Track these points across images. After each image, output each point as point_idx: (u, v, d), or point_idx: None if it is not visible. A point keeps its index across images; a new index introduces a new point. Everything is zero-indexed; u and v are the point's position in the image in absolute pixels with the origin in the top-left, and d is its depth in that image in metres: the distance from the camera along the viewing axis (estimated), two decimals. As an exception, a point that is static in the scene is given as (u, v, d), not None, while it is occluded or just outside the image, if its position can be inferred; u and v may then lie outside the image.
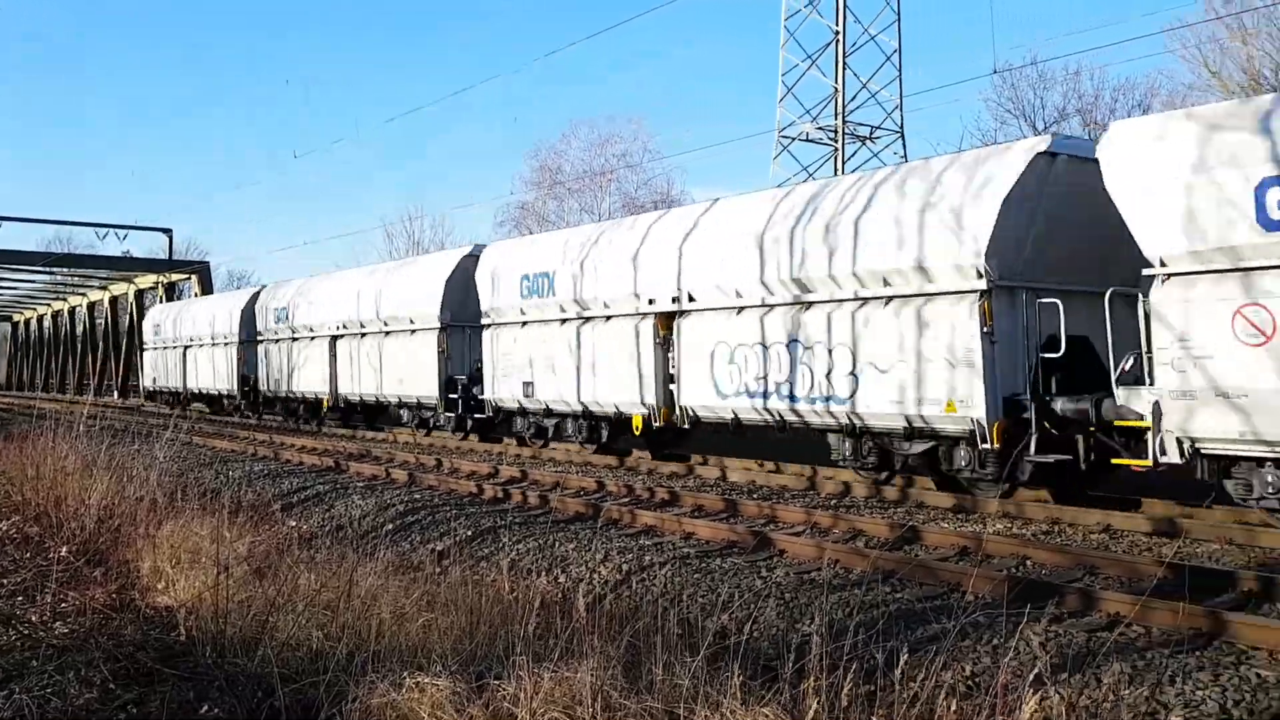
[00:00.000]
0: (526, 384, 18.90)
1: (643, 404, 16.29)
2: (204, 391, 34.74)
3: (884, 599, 8.07)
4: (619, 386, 16.75)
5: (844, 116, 29.17)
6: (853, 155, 30.45)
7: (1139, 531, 10.37)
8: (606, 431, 17.90)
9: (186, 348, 35.64)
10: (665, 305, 15.92)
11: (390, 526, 12.50)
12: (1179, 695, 5.88)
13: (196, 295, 43.91)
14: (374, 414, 26.06)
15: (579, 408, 17.87)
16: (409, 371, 22.97)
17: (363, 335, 24.86)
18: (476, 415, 20.97)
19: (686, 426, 15.94)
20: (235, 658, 6.50)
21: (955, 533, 10.38)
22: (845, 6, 29.58)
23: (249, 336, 31.02)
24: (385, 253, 53.68)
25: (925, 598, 8.01)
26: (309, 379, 27.44)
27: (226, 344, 32.44)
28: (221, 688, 6.18)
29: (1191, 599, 7.23)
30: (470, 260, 21.65)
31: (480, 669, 6.16)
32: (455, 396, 21.45)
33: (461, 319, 21.88)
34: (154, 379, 39.16)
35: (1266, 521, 10.06)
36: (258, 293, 31.75)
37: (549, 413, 18.88)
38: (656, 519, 11.48)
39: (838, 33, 29.45)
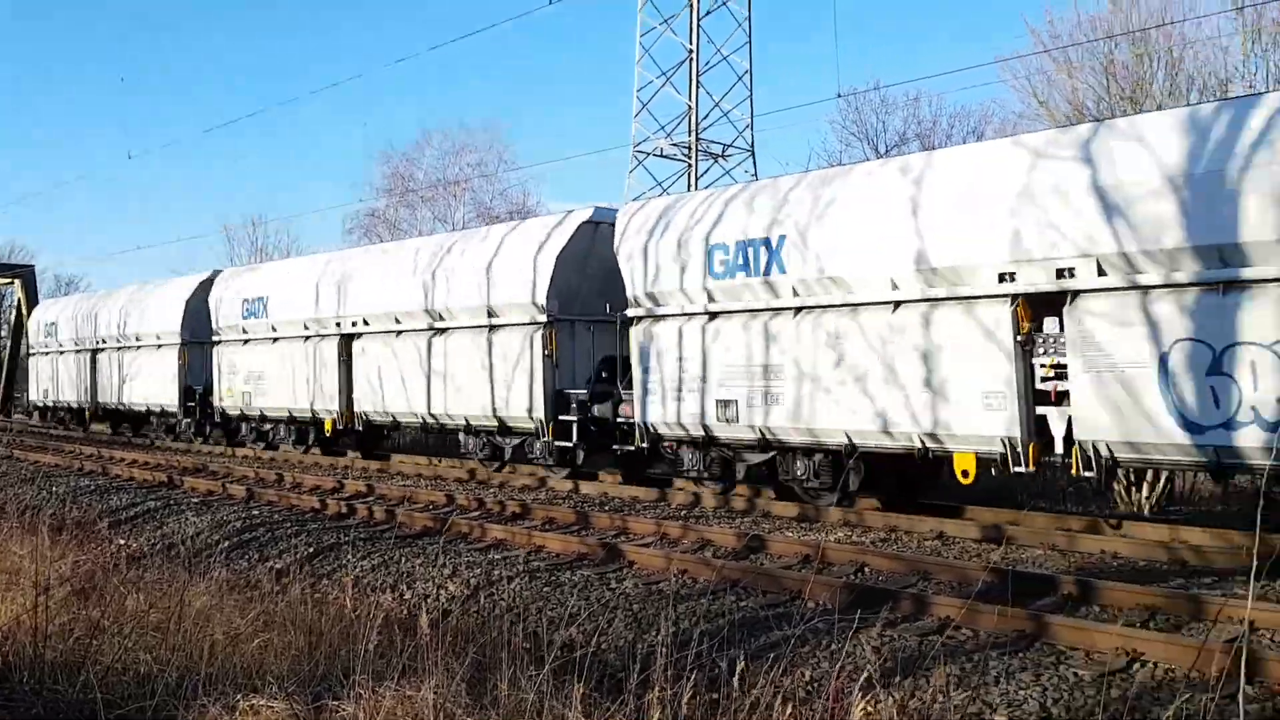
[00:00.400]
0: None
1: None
2: (126, 407, 28.43)
3: (729, 608, 8.20)
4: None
5: (697, 133, 29.68)
6: (706, 171, 31.03)
7: (969, 538, 10.86)
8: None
9: (97, 350, 29.81)
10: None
11: (227, 544, 12.02)
12: (1003, 695, 6.17)
13: (20, 302, 40.93)
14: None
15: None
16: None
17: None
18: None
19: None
20: (56, 684, 6.13)
21: (799, 541, 10.64)
22: (699, 26, 30.13)
23: (194, 336, 25.35)
24: (226, 259, 51.63)
25: (769, 605, 8.19)
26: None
27: (162, 346, 26.40)
28: (40, 716, 5.82)
29: (1016, 602, 7.62)
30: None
31: (319, 689, 5.99)
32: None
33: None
34: (45, 391, 33.06)
35: (1093, 527, 10.75)
36: (211, 279, 25.47)
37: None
38: (507, 533, 11.39)
39: (691, 51, 29.95)
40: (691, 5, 30.12)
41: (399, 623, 7.64)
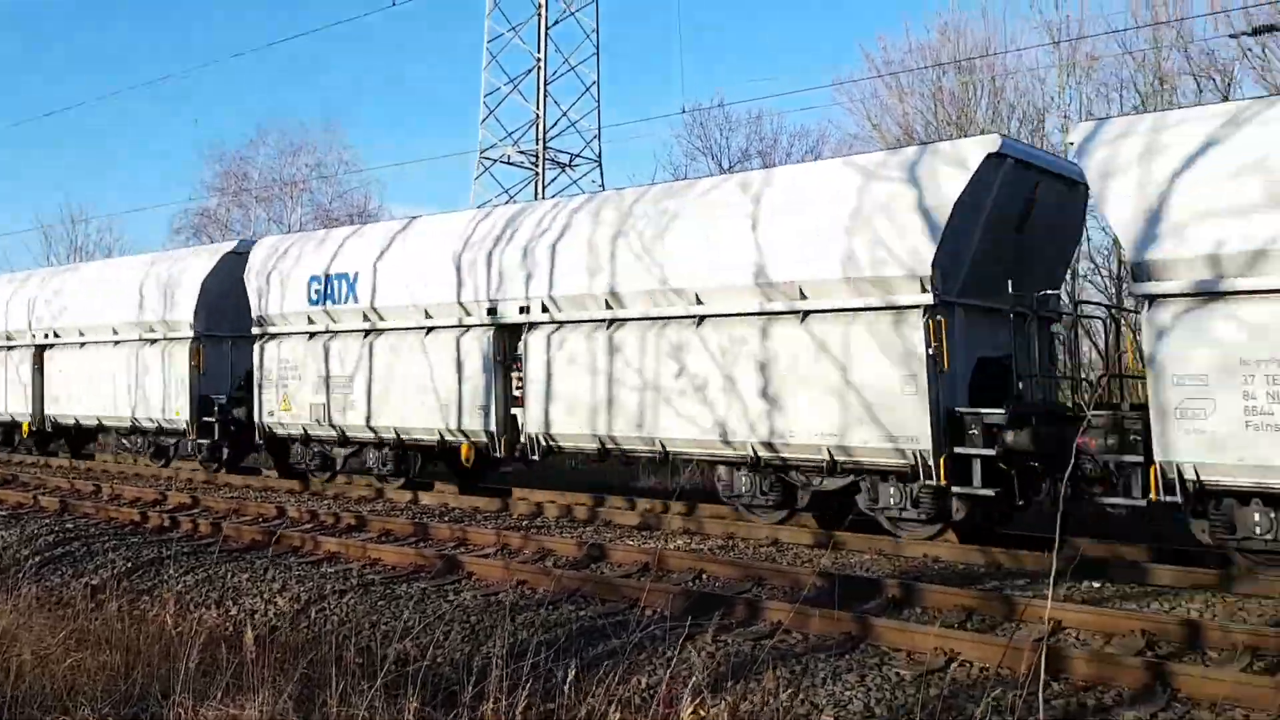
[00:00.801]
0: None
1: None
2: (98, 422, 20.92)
3: (568, 617, 8.21)
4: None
5: (545, 142, 29.70)
6: (553, 180, 31.09)
7: (802, 544, 11.18)
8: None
9: (45, 346, 22.03)
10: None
11: (37, 559, 11.30)
12: (830, 696, 6.38)
13: None
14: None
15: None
16: None
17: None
18: None
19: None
20: None
21: (639, 549, 10.74)
22: (547, 36, 30.20)
23: (212, 328, 18.80)
24: (43, 258, 48.57)
25: (607, 614, 8.23)
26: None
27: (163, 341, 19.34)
28: None
29: (844, 606, 7.90)
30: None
31: (135, 710, 5.72)
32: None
33: None
34: None
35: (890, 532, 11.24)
36: (241, 252, 18.77)
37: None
38: (340, 545, 11.09)
39: (539, 59, 29.99)
40: (539, 14, 30.17)
41: (224, 640, 7.36)
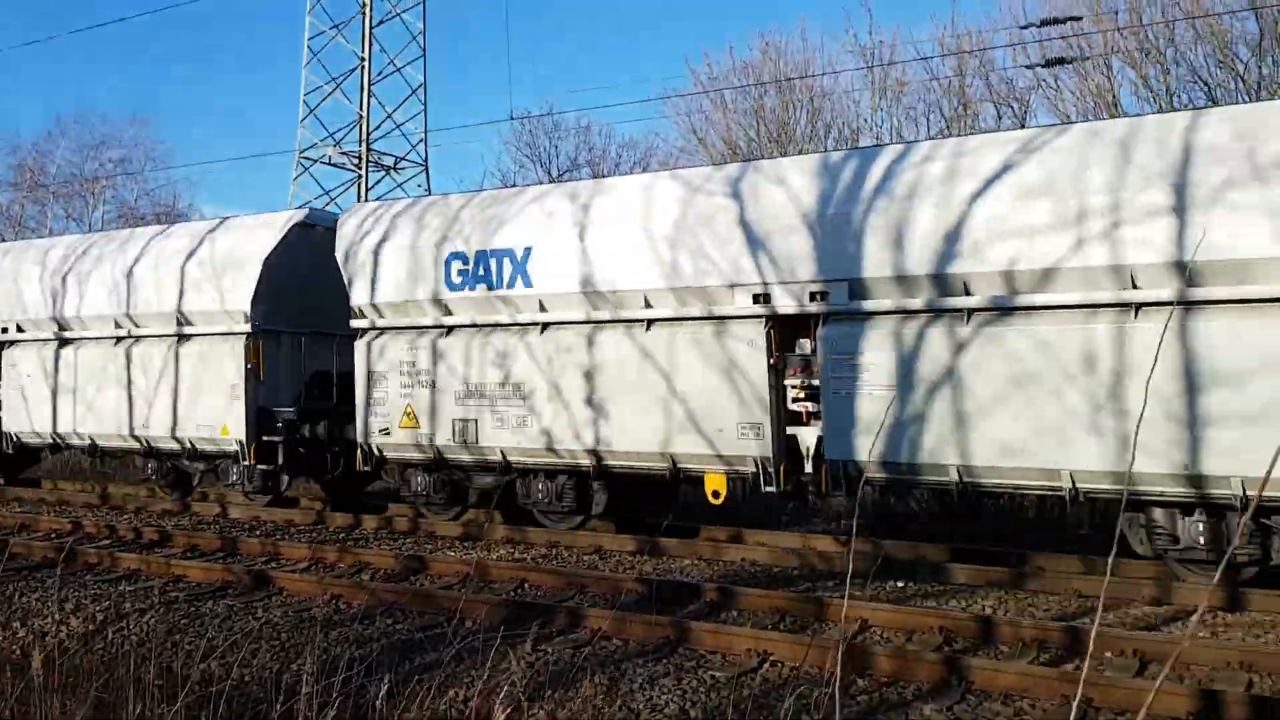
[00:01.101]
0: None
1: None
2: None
3: (384, 631, 8.03)
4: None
5: (368, 143, 29.00)
6: (377, 183, 30.37)
7: (625, 551, 11.27)
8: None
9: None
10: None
11: None
12: (647, 701, 6.45)
13: None
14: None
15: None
16: None
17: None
18: None
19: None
20: None
21: (461, 560, 10.60)
22: (372, 35, 29.52)
23: (271, 322, 14.46)
24: None
25: (425, 627, 8.09)
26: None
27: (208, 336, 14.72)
28: None
29: (663, 610, 8.01)
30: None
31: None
32: None
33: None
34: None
35: (736, 537, 11.50)
36: (310, 224, 14.91)
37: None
38: (141, 562, 10.50)
39: (363, 59, 29.28)
40: (364, 12, 29.48)
41: (9, 663, 6.86)
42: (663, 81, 65.85)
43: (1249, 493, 8.33)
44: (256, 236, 14.32)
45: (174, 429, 14.58)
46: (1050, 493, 9.35)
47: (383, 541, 12.19)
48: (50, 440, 16.10)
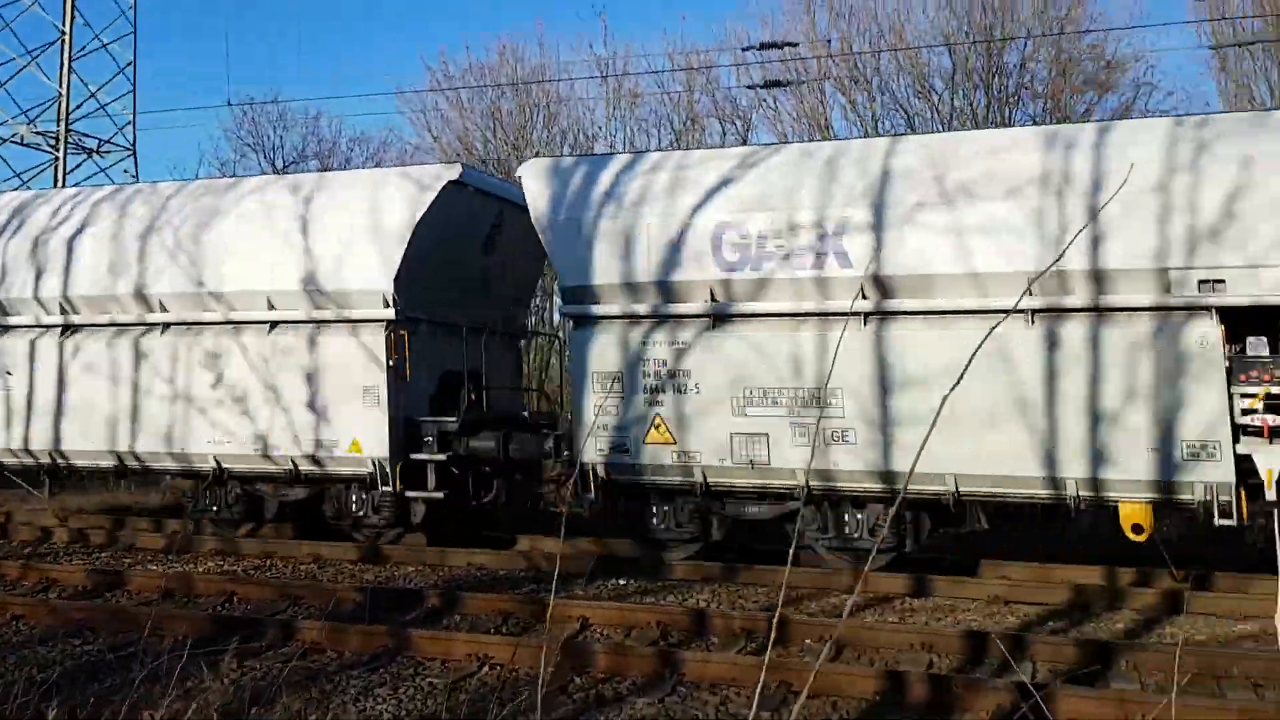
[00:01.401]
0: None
1: None
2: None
3: (69, 652, 7.37)
4: None
5: (67, 123, 26.59)
6: (77, 167, 27.92)
7: (346, 560, 10.91)
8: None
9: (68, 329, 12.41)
10: None
11: None
12: (361, 712, 6.26)
13: None
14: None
15: None
16: None
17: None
18: None
19: None
20: None
21: (163, 574, 9.91)
22: (74, 7, 27.12)
23: (416, 309, 11.44)
24: None
25: (118, 646, 7.49)
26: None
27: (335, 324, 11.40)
28: None
29: (382, 619, 7.81)
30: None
31: None
32: None
33: None
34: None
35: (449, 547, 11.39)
36: (478, 185, 12.17)
37: None
38: None
39: (64, 32, 26.84)
40: (65, -19, 27.05)
41: None
42: (400, 79, 64.16)
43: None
44: (406, 194, 11.10)
45: (269, 447, 11.27)
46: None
47: (76, 555, 11.17)
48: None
